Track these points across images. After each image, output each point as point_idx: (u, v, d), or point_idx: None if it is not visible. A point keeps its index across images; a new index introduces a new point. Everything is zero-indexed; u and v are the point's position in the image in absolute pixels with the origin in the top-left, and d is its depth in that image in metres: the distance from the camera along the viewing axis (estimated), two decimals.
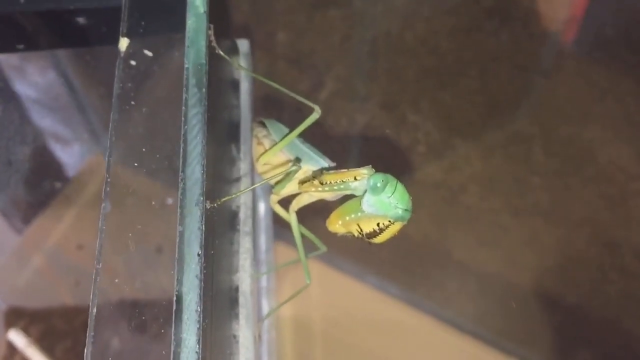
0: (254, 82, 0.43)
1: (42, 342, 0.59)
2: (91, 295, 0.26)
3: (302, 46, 0.68)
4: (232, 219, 0.37)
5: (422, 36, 0.68)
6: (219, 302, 0.31)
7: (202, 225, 0.26)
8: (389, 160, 0.66)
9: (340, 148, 0.67)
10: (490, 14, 0.70)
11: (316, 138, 0.67)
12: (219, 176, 0.36)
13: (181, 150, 0.27)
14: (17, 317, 0.61)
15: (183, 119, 0.28)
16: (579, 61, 0.69)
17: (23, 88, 0.61)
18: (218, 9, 0.41)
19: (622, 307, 0.64)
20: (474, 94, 0.67)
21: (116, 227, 0.28)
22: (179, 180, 0.27)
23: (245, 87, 0.41)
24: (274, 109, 0.38)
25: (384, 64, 0.68)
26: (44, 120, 0.64)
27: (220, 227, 0.34)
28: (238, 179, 0.38)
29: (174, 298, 0.24)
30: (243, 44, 0.43)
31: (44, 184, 0.66)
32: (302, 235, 0.36)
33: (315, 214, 0.35)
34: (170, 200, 0.28)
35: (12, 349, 0.59)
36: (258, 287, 0.50)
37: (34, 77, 0.60)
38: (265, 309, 0.49)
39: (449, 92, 0.67)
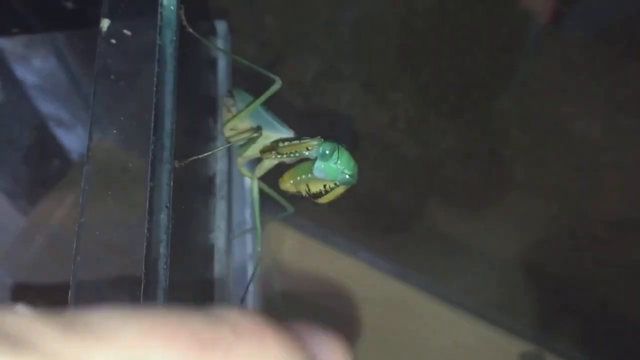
0: (232, 60, 0.46)
1: None
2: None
3: (288, 30, 0.71)
4: (208, 183, 0.40)
5: (402, 17, 0.71)
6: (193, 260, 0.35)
7: (170, 181, 0.29)
8: (371, 136, 0.69)
9: (326, 125, 0.70)
10: None
11: (304, 116, 0.71)
12: (195, 147, 0.39)
13: (152, 117, 0.31)
14: (24, 291, 0.65)
15: (155, 88, 0.32)
16: (556, 39, 0.72)
17: (25, 73, 0.65)
18: None
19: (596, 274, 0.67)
20: (452, 72, 0.70)
21: (96, 199, 0.31)
22: (150, 143, 0.30)
23: (222, 64, 0.45)
24: (253, 83, 0.41)
25: (366, 45, 0.71)
26: (46, 105, 0.68)
27: (195, 189, 0.37)
28: (214, 149, 0.42)
29: (144, 244, 0.28)
30: (221, 25, 0.46)
31: (48, 167, 0.69)
32: (266, 199, 0.39)
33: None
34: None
35: None
36: (243, 254, 0.54)
37: (36, 63, 0.64)
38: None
39: (428, 71, 0.70)
